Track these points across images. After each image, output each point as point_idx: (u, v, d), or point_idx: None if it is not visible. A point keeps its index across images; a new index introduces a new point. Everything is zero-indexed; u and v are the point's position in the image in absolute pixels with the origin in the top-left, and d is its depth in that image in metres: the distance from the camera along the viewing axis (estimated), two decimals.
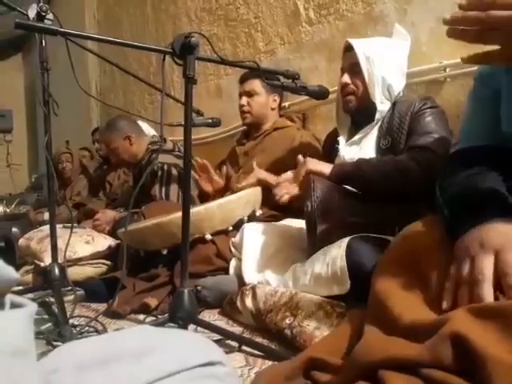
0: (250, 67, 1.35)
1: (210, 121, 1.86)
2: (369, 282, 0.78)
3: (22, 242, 2.13)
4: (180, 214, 1.16)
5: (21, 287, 1.73)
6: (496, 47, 0.66)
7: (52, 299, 1.46)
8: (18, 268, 1.99)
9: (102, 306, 1.56)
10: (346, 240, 1.17)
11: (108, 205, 2.80)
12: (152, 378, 0.41)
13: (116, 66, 1.65)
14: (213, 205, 1.61)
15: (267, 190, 1.73)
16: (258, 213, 1.69)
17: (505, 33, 0.62)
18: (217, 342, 1.07)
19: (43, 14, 1.28)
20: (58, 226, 1.57)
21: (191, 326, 1.14)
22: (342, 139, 1.56)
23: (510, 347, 0.53)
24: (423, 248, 0.74)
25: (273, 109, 2.07)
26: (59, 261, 1.46)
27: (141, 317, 1.44)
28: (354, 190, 1.36)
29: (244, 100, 2.02)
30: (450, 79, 1.64)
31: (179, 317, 1.10)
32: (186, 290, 1.13)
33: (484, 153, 0.81)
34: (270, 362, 1.01)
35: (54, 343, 1.15)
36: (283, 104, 2.16)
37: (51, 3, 4.23)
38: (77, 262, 1.91)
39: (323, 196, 1.26)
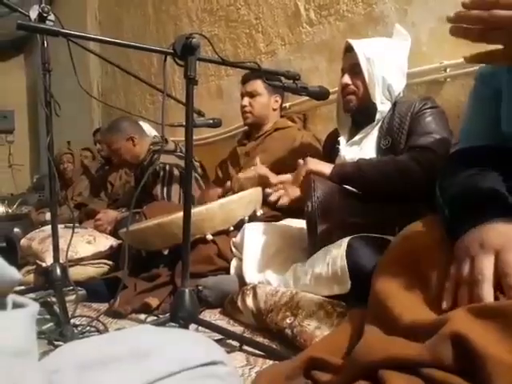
0: (251, 68, 1.35)
1: (211, 121, 1.86)
2: (369, 282, 0.78)
3: (23, 242, 2.13)
4: (181, 214, 1.17)
5: (22, 287, 1.73)
6: (499, 47, 0.66)
7: (54, 299, 1.47)
8: (19, 268, 1.99)
9: (104, 306, 1.56)
10: (346, 240, 1.17)
11: (109, 205, 2.80)
12: (153, 377, 0.41)
13: (117, 66, 1.66)
14: (214, 205, 1.61)
15: None
16: (259, 213, 1.70)
17: (508, 32, 0.62)
18: (218, 341, 1.07)
19: (45, 15, 1.29)
20: (60, 226, 1.58)
21: (192, 326, 1.14)
22: (342, 139, 1.57)
23: (510, 347, 0.53)
24: (423, 248, 0.74)
25: (274, 109, 2.08)
26: (61, 261, 1.46)
27: (142, 316, 1.44)
28: (354, 190, 1.36)
29: (246, 100, 2.03)
30: (451, 79, 1.64)
31: (180, 316, 1.11)
32: (187, 290, 1.13)
33: (484, 153, 0.81)
34: (271, 362, 1.01)
35: (56, 343, 1.16)
36: (284, 104, 2.16)
37: (53, 4, 4.24)
38: (78, 262, 1.91)
39: (324, 196, 1.26)
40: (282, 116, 2.13)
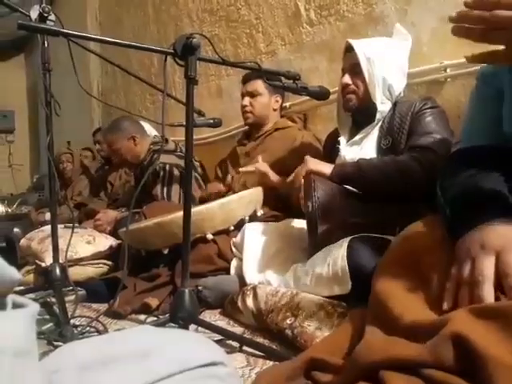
0: (252, 68, 1.35)
1: (212, 121, 1.86)
2: (369, 283, 0.78)
3: (23, 242, 2.13)
4: (181, 213, 1.17)
5: (22, 287, 1.73)
6: (501, 47, 0.65)
7: (53, 299, 1.47)
8: (19, 268, 1.99)
9: (103, 306, 1.56)
10: (346, 240, 1.17)
11: (109, 205, 2.80)
12: (153, 378, 0.41)
13: (118, 66, 1.66)
14: (214, 205, 1.61)
15: (269, 190, 1.74)
16: (260, 213, 1.70)
17: (510, 32, 0.62)
18: (218, 342, 1.07)
19: (45, 15, 1.29)
20: (60, 226, 1.58)
21: (192, 326, 1.14)
22: (342, 139, 1.57)
23: (511, 348, 0.53)
24: (424, 248, 0.74)
25: (275, 109, 2.08)
26: (60, 261, 1.46)
27: (142, 317, 1.44)
28: (354, 190, 1.36)
29: (246, 100, 2.03)
30: (451, 79, 1.64)
31: (180, 317, 1.11)
32: (186, 290, 1.13)
33: (486, 152, 0.81)
34: (271, 363, 1.01)
35: (55, 343, 1.16)
36: (284, 104, 2.16)
37: (53, 4, 4.24)
38: (78, 262, 1.91)
39: (324, 196, 1.26)
40: (282, 116, 2.13)
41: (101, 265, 1.97)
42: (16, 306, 0.35)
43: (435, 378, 0.55)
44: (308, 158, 1.40)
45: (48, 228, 1.70)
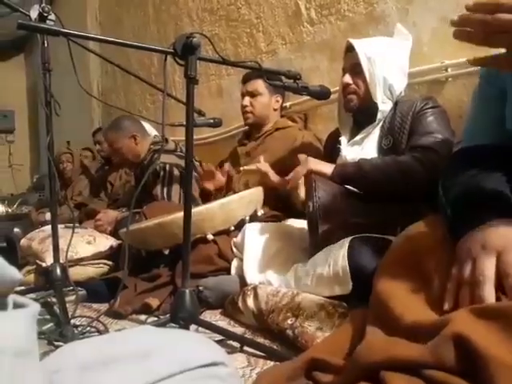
0: (252, 67, 1.35)
1: (212, 121, 1.86)
2: (370, 283, 0.78)
3: (23, 242, 2.13)
4: (181, 213, 1.16)
5: (23, 287, 1.73)
6: (502, 50, 0.65)
7: (54, 299, 1.47)
8: (19, 268, 1.99)
9: (104, 307, 1.56)
10: (347, 240, 1.17)
11: (109, 205, 2.80)
12: (154, 378, 0.41)
13: (118, 66, 1.66)
14: (214, 205, 1.61)
15: (269, 190, 1.74)
16: (260, 213, 1.69)
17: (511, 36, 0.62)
18: (218, 342, 1.07)
19: (45, 14, 1.29)
20: (60, 227, 1.58)
21: (193, 327, 1.14)
22: (343, 139, 1.56)
23: None
24: (425, 248, 0.73)
25: (275, 109, 2.07)
26: (61, 261, 1.46)
27: (142, 317, 1.44)
28: (355, 190, 1.35)
29: (247, 100, 2.02)
30: (452, 79, 1.64)
31: (181, 317, 1.11)
32: (187, 291, 1.13)
33: (489, 152, 0.81)
34: (272, 363, 1.01)
35: (56, 343, 1.16)
36: (285, 104, 2.16)
37: (53, 4, 4.24)
38: (78, 262, 1.91)
39: (325, 196, 1.26)
40: (282, 116, 2.13)
41: (101, 265, 1.97)
42: (17, 306, 0.35)
43: (436, 379, 0.55)
44: (307, 158, 1.40)
45: (48, 228, 1.70)
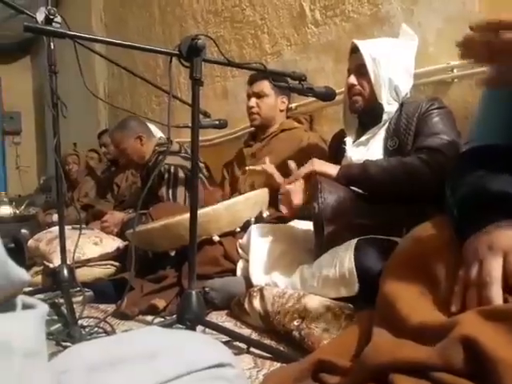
0: (257, 69, 1.36)
1: (217, 122, 1.86)
2: (377, 284, 0.78)
3: (31, 243, 2.15)
4: (187, 215, 1.17)
5: (30, 288, 1.74)
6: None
7: (61, 300, 1.47)
8: (27, 269, 2.01)
9: (111, 307, 1.57)
10: (353, 242, 1.17)
11: (116, 206, 2.81)
12: (161, 379, 0.41)
13: (124, 68, 1.67)
14: (220, 206, 1.61)
15: (274, 191, 1.74)
16: (265, 214, 1.69)
17: None
18: (225, 343, 1.07)
19: (51, 17, 1.29)
20: (67, 228, 1.58)
21: (199, 328, 1.14)
22: (349, 140, 1.56)
23: None
24: (432, 250, 0.73)
25: (281, 110, 2.08)
26: (68, 262, 1.47)
27: (149, 318, 1.44)
28: (360, 191, 1.35)
29: (253, 101, 2.02)
30: (458, 80, 1.63)
31: (187, 318, 1.11)
32: (193, 292, 1.13)
33: (497, 152, 0.80)
34: (279, 364, 1.01)
35: (64, 344, 1.16)
36: (290, 105, 2.16)
37: (58, 6, 4.26)
38: (85, 263, 1.92)
39: (330, 197, 1.26)
40: (288, 117, 2.13)
41: (108, 266, 1.98)
42: (26, 306, 0.36)
43: (444, 381, 0.55)
44: (314, 158, 1.39)
45: (56, 229, 1.71)
